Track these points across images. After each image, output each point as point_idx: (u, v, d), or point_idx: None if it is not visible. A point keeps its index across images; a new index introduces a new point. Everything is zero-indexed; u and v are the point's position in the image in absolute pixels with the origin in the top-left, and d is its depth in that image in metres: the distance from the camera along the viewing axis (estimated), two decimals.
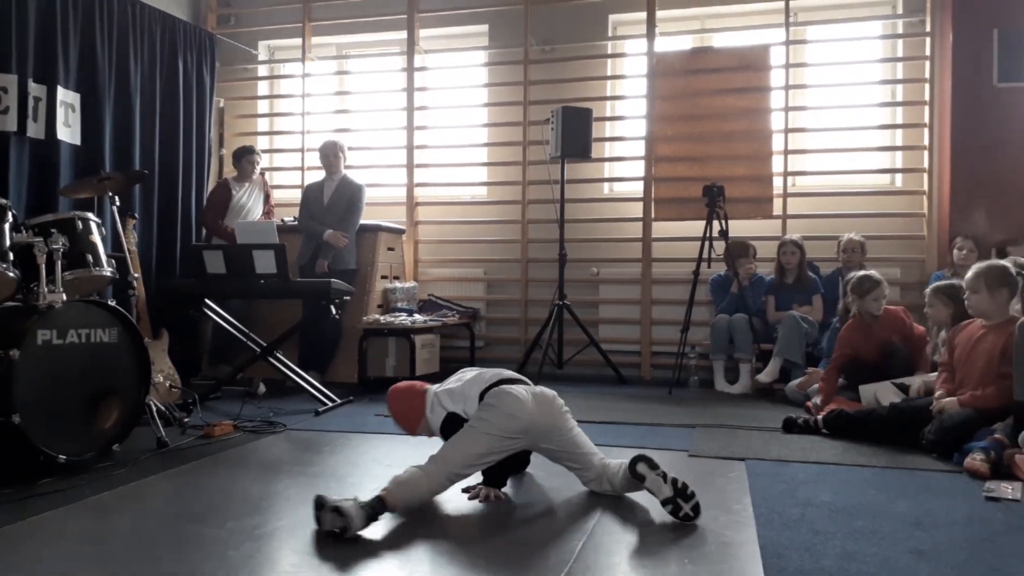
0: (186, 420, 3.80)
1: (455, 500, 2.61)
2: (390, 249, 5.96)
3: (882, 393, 3.96)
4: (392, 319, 5.34)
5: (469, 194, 6.53)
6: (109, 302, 3.38)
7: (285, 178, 6.79)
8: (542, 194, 5.98)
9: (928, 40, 5.57)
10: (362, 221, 5.63)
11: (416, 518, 2.46)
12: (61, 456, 2.92)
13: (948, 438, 3.21)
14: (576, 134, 5.49)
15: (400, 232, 6.18)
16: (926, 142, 5.59)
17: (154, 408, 3.48)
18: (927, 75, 5.58)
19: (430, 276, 6.40)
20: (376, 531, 2.31)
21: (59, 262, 3.09)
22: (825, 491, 2.72)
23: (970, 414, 3.25)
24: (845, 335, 4.32)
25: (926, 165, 5.59)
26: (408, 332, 5.21)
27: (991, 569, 1.99)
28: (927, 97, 5.58)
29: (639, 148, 6.05)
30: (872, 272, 4.42)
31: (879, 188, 5.79)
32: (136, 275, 4.11)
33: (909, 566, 2.00)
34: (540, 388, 2.70)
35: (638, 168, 6.05)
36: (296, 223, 5.65)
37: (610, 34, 6.29)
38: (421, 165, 6.49)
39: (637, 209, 5.99)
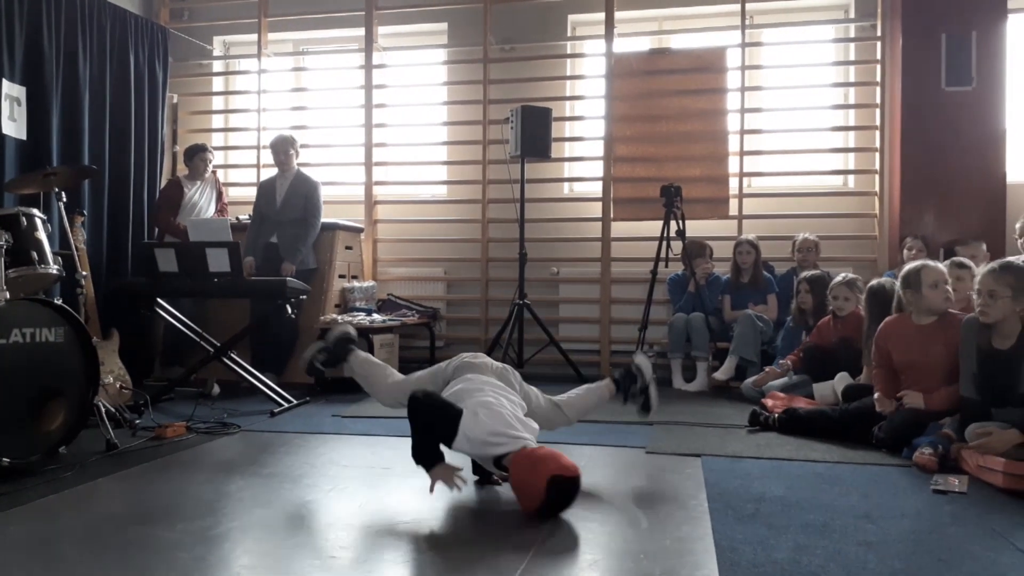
0: (137, 422, 3.72)
1: (409, 501, 2.58)
2: (348, 248, 5.90)
3: (819, 393, 4.15)
4: (350, 319, 5.28)
5: (428, 193, 6.50)
6: (56, 301, 3.29)
7: (240, 176, 6.68)
8: (502, 193, 5.97)
9: (879, 44, 5.70)
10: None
11: (370, 520, 2.44)
12: (5, 459, 2.83)
13: (898, 434, 3.27)
14: (536, 133, 5.49)
15: (358, 231, 6.12)
16: (877, 144, 5.71)
17: (103, 409, 3.39)
18: (878, 79, 5.70)
19: (389, 275, 6.36)
20: (331, 535, 2.28)
21: (2, 259, 3.00)
22: (778, 486, 2.76)
23: (920, 410, 3.32)
24: (818, 325, 4.55)
25: (877, 167, 5.71)
26: (366, 332, 5.15)
27: (937, 560, 2.04)
28: (878, 100, 5.70)
29: (598, 148, 6.08)
30: (838, 275, 4.51)
31: (832, 189, 5.90)
32: (84, 273, 4.00)
33: (858, 558, 2.04)
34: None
35: (597, 168, 6.08)
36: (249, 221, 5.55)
37: (569, 34, 6.32)
38: (380, 163, 6.44)
39: (596, 209, 6.02)
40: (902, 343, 3.53)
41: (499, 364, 2.92)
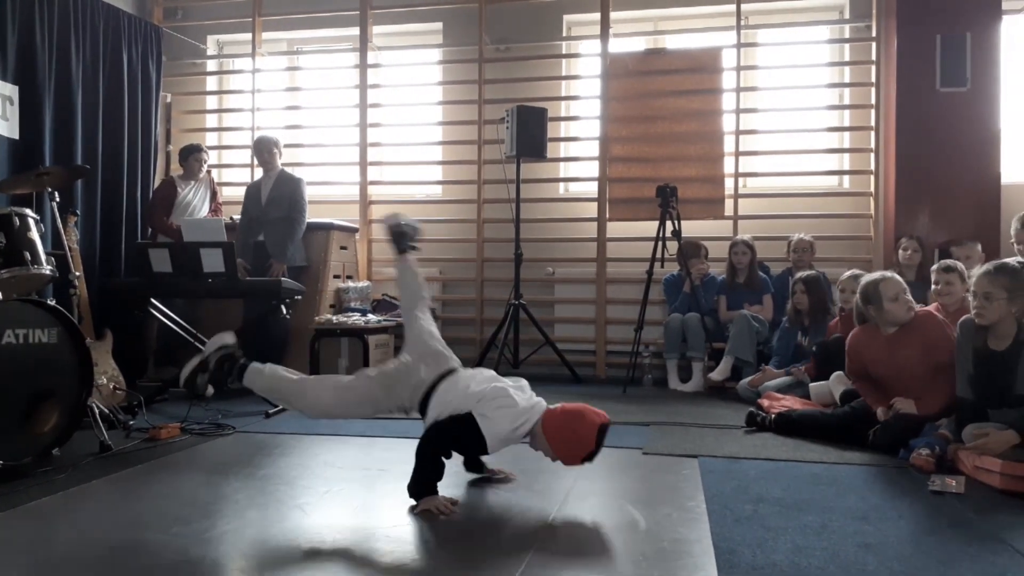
0: (131, 423, 3.69)
1: (406, 503, 2.56)
2: (343, 248, 5.88)
3: (816, 393, 4.14)
4: (345, 319, 5.26)
5: (424, 193, 6.49)
6: (49, 301, 3.27)
7: (234, 175, 6.66)
8: (498, 193, 5.96)
9: (874, 45, 5.71)
10: (314, 219, 5.54)
11: (366, 522, 2.43)
12: None
13: (894, 439, 3.26)
14: (531, 133, 5.49)
15: (353, 231, 6.10)
16: (872, 145, 5.72)
17: (97, 411, 3.37)
18: (873, 79, 5.71)
19: (384, 275, 6.33)
20: (327, 537, 2.27)
21: None
22: (776, 487, 2.75)
23: (914, 415, 3.31)
24: (829, 326, 4.53)
25: (872, 167, 5.73)
26: (361, 332, 5.14)
27: (936, 561, 2.03)
28: (873, 101, 5.71)
29: (593, 148, 6.08)
30: (833, 275, 4.50)
31: (827, 190, 5.91)
32: (77, 273, 3.98)
33: (857, 559, 2.04)
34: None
35: (592, 168, 6.08)
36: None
37: (564, 34, 6.31)
38: (375, 163, 6.42)
39: (592, 209, 6.02)
40: (874, 354, 3.51)
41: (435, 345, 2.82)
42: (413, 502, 2.49)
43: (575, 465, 2.57)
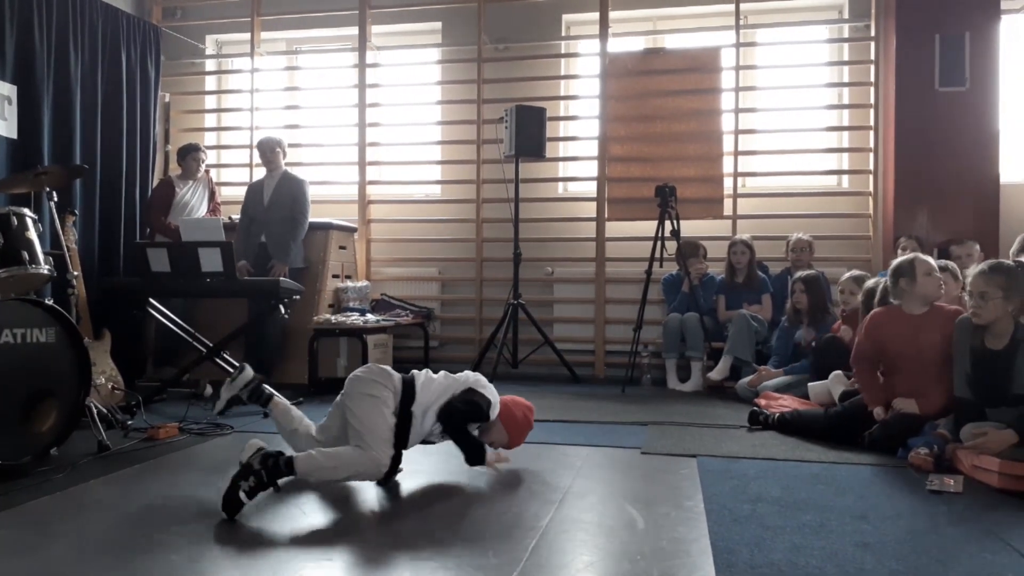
0: (129, 422, 3.69)
1: (406, 502, 2.57)
2: (342, 248, 5.88)
3: (815, 392, 4.13)
4: (344, 319, 5.26)
5: (423, 192, 6.49)
6: (47, 301, 3.27)
7: (233, 175, 6.65)
8: (496, 193, 5.96)
9: (873, 44, 5.71)
10: (313, 219, 5.53)
11: (365, 521, 2.43)
12: None
13: (893, 439, 3.26)
14: (530, 133, 5.49)
15: (352, 230, 6.10)
16: (871, 144, 5.72)
17: (95, 410, 3.37)
18: (872, 79, 5.71)
19: (383, 275, 6.34)
20: (326, 536, 2.27)
21: None
22: (775, 487, 2.75)
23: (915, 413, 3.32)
24: (832, 328, 4.50)
25: (871, 167, 5.73)
26: (360, 332, 5.14)
27: (934, 560, 2.03)
28: (872, 100, 5.71)
29: (592, 148, 6.08)
30: (831, 275, 4.49)
31: (826, 189, 5.91)
32: (76, 273, 3.97)
33: (855, 558, 2.04)
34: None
35: (591, 168, 6.08)
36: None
37: (563, 34, 6.31)
38: (373, 163, 6.42)
39: (591, 209, 6.02)
40: (895, 332, 3.48)
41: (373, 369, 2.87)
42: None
43: (516, 447, 2.96)
